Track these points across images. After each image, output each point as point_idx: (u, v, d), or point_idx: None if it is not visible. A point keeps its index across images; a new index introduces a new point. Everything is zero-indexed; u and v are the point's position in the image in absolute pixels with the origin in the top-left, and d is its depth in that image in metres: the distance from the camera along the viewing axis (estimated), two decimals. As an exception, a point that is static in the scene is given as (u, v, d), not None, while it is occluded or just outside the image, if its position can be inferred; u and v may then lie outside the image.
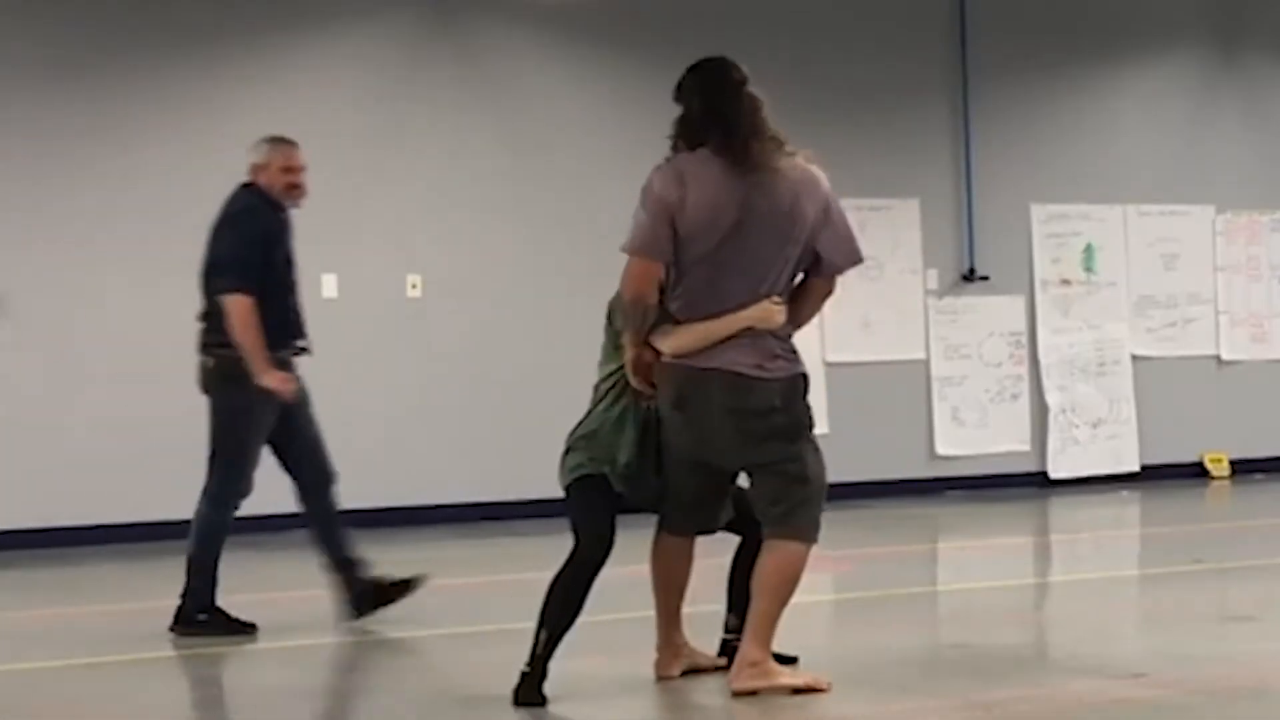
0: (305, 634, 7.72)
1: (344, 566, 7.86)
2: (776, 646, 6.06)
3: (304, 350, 7.76)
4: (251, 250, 7.47)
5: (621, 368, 6.11)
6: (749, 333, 5.90)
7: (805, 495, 5.96)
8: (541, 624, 5.94)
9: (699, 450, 6.01)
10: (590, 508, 6.08)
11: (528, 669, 5.92)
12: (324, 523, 7.90)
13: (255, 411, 7.55)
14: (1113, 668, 6.34)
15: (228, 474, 7.68)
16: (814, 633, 7.44)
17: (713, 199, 5.84)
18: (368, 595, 7.83)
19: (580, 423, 6.24)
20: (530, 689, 5.91)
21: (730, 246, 5.87)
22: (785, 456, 5.95)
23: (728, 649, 6.30)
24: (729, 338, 5.89)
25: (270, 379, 7.43)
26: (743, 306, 5.89)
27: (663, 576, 6.28)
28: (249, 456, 7.70)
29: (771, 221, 5.89)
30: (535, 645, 5.92)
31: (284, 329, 7.58)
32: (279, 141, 7.77)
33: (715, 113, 5.96)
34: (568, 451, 6.22)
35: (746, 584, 6.16)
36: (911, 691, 6.11)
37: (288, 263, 7.59)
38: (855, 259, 6.07)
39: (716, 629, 6.41)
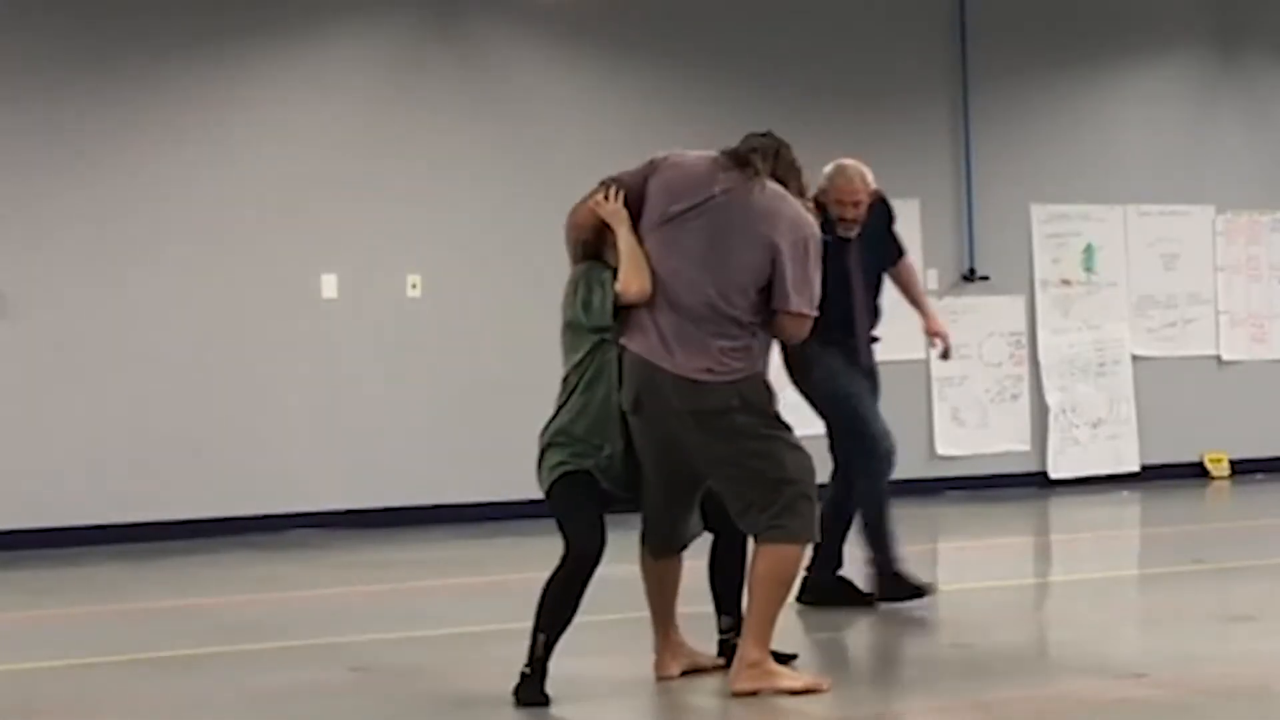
0: (304, 634, 7.72)
1: (827, 554, 7.89)
2: (777, 644, 6.06)
3: (863, 340, 8.00)
4: None
5: (587, 355, 6.11)
6: (698, 339, 5.92)
7: (792, 495, 5.91)
8: (538, 627, 5.93)
9: (665, 454, 6.00)
10: (577, 506, 6.03)
11: (528, 670, 5.92)
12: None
13: (827, 382, 7.83)
14: (1113, 668, 6.34)
15: (858, 444, 7.86)
16: (814, 633, 7.43)
17: (687, 170, 6.07)
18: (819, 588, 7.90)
19: (552, 418, 6.21)
20: (532, 689, 5.90)
21: (694, 226, 5.97)
22: (757, 456, 5.92)
23: (726, 649, 6.31)
24: (678, 341, 5.92)
25: None
26: (702, 297, 5.93)
27: (653, 582, 6.29)
28: (862, 417, 7.89)
29: (739, 223, 5.95)
30: (534, 647, 5.92)
31: (840, 326, 7.78)
32: (840, 171, 8.03)
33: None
34: (545, 450, 6.16)
35: (728, 580, 6.18)
36: (911, 691, 6.12)
37: (843, 275, 7.78)
38: (807, 307, 6.03)
39: (712, 629, 6.41)
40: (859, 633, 7.61)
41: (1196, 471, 14.69)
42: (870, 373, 8.06)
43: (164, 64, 12.12)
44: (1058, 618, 8.26)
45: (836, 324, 7.80)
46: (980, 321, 14.21)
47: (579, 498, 6.04)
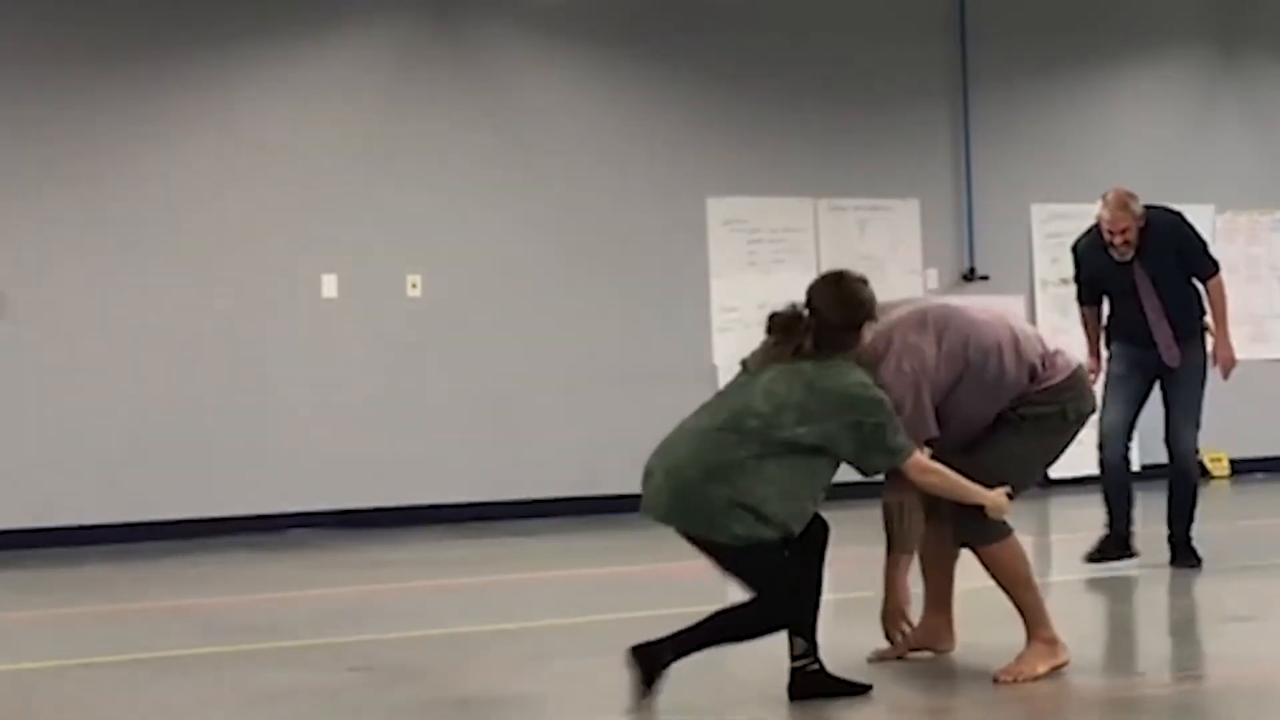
0: (304, 634, 7.72)
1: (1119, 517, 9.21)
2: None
3: (1162, 345, 8.82)
4: (1076, 270, 9.12)
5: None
6: None
7: None
8: (692, 636, 5.80)
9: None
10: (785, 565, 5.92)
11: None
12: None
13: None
14: (1113, 668, 6.33)
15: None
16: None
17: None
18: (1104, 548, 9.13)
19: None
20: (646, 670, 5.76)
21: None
22: None
23: (799, 675, 5.95)
24: None
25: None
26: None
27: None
28: (1105, 408, 9.07)
29: None
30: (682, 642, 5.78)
31: (1127, 336, 8.91)
32: (1105, 199, 8.81)
33: None
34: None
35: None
36: (911, 692, 6.10)
37: (1123, 289, 8.82)
38: None
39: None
40: (859, 633, 7.60)
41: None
42: (1176, 370, 8.80)
43: (164, 66, 12.13)
44: (1058, 618, 8.24)
45: (1124, 335, 8.88)
46: (980, 321, 14.19)
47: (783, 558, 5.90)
